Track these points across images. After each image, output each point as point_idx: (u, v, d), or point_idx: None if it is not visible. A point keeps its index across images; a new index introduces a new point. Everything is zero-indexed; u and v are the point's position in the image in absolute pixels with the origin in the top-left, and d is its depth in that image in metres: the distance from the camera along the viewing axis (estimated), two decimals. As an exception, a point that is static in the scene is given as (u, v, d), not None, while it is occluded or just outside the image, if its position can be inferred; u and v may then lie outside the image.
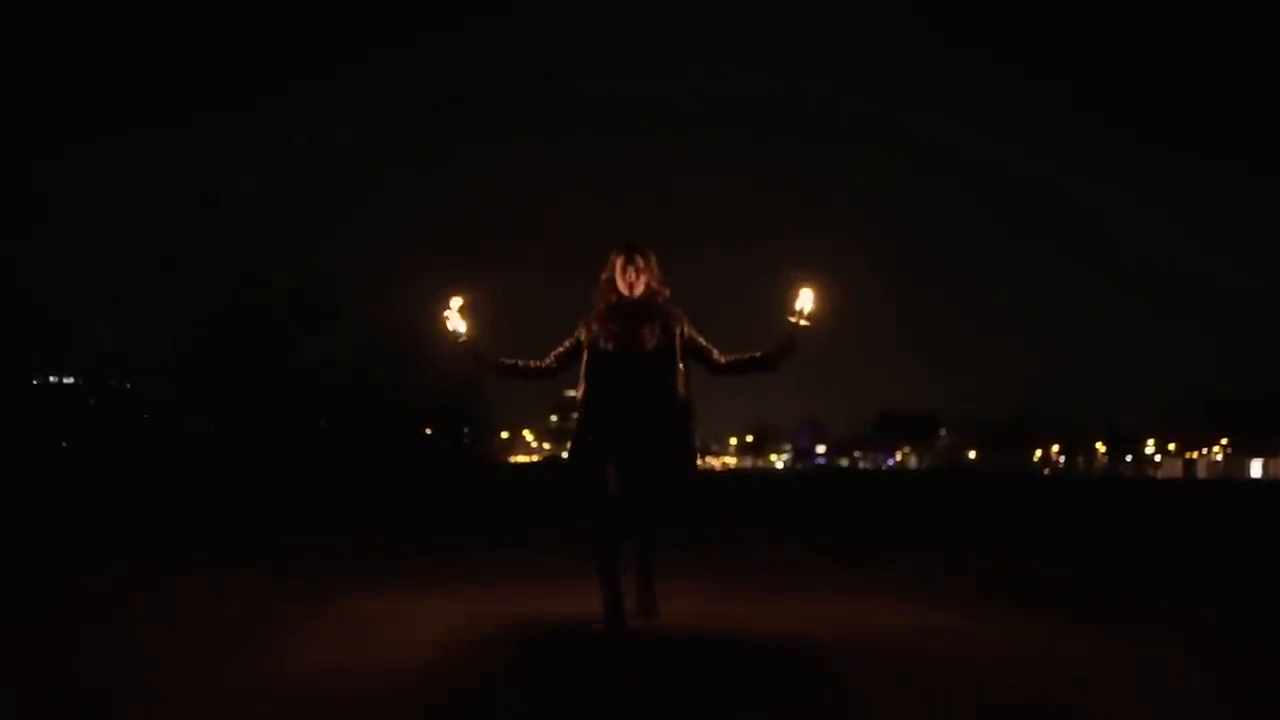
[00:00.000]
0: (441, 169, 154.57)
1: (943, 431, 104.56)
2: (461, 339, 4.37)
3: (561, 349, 4.39)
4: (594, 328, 4.29)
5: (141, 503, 14.52)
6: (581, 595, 4.72)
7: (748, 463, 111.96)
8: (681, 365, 4.27)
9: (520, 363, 4.42)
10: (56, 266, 42.79)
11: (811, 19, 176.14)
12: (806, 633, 4.26)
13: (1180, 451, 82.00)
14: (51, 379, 47.85)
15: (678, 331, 4.28)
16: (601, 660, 3.75)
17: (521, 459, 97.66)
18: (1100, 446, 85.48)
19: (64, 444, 40.78)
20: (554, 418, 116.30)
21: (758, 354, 4.39)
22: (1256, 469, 73.94)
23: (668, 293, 4.35)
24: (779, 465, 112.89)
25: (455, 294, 4.37)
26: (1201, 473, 77.18)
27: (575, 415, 4.34)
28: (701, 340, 4.37)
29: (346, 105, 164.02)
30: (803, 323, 4.30)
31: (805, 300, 4.31)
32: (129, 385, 50.66)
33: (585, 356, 4.29)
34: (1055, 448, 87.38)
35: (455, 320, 4.35)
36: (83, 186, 66.27)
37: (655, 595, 4.40)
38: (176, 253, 67.63)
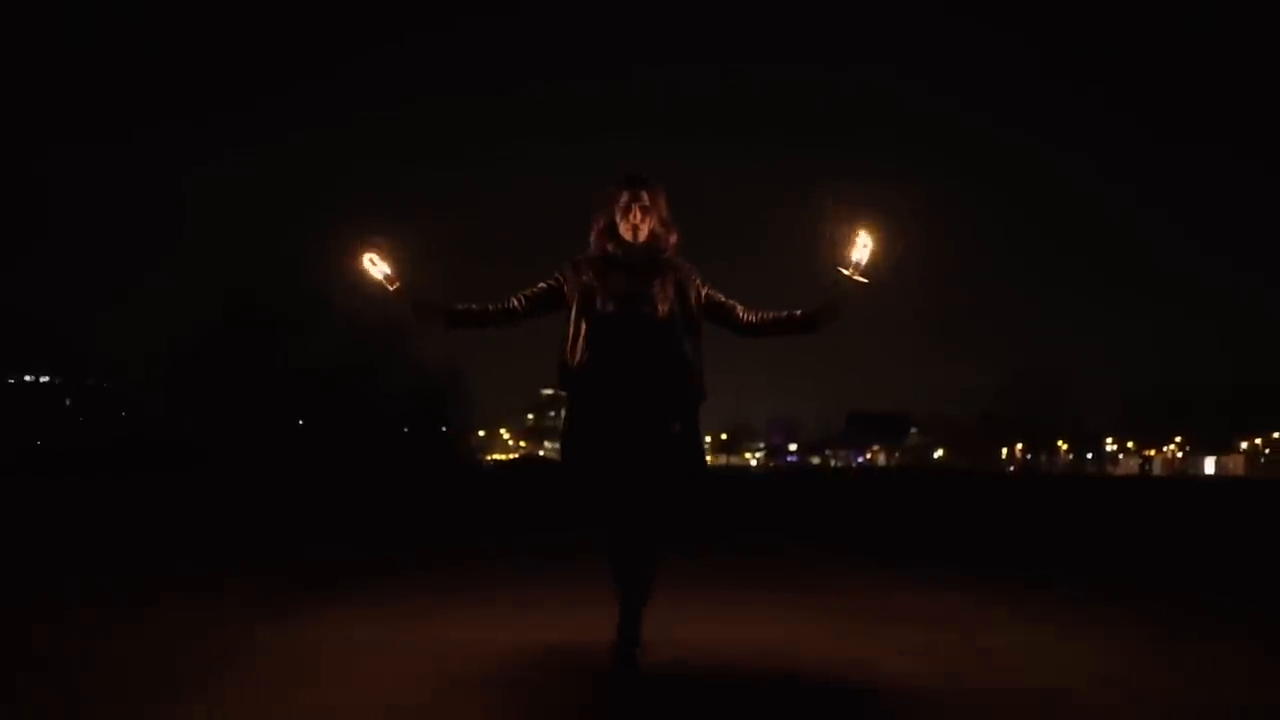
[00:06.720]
0: (434, 168, 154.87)
1: (913, 430, 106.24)
2: (393, 285, 3.50)
3: (533, 290, 3.56)
4: (585, 277, 3.48)
5: (102, 504, 14.00)
6: (602, 614, 3.95)
7: (722, 460, 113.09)
8: (699, 338, 3.52)
9: (475, 306, 3.57)
10: (42, 267, 43.37)
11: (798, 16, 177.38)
12: (892, 663, 3.69)
13: (1139, 450, 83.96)
14: (27, 378, 48.48)
15: (693, 291, 3.51)
16: (628, 709, 3.11)
17: (499, 457, 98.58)
18: (1063, 445, 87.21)
19: (38, 442, 41.55)
20: (530, 416, 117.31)
21: (797, 312, 3.54)
22: (1210, 466, 76.05)
23: (675, 238, 3.52)
24: (752, 463, 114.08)
25: (370, 243, 3.53)
26: (1157, 470, 79.14)
27: (564, 392, 3.53)
28: (720, 296, 3.57)
29: (334, 105, 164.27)
30: (857, 277, 3.42)
31: (863, 249, 3.41)
32: (105, 385, 51.23)
33: (574, 315, 3.47)
34: (1019, 446, 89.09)
35: (376, 267, 3.50)
36: (70, 187, 66.26)
37: (640, 626, 3.48)
38: (158, 253, 67.89)
